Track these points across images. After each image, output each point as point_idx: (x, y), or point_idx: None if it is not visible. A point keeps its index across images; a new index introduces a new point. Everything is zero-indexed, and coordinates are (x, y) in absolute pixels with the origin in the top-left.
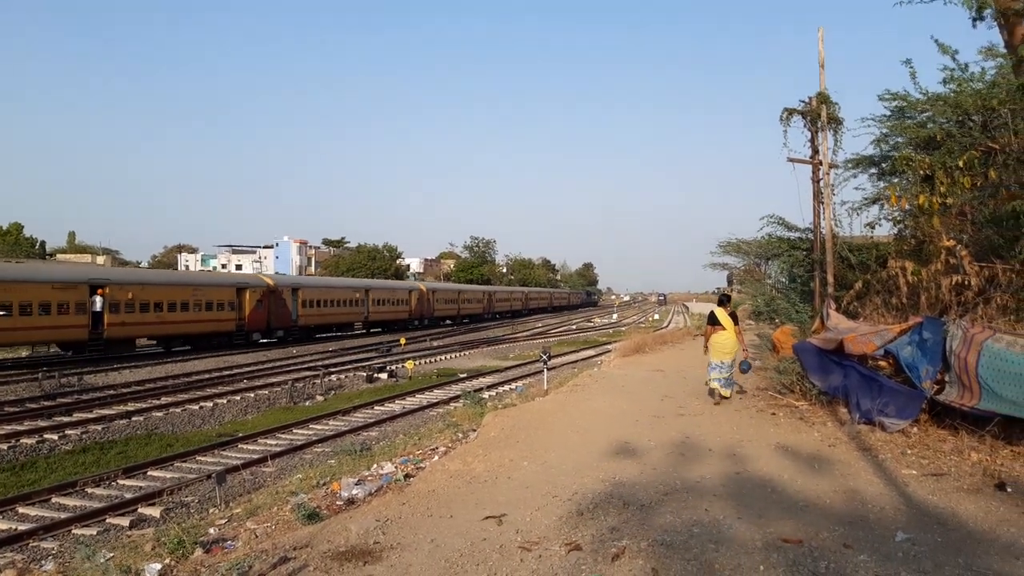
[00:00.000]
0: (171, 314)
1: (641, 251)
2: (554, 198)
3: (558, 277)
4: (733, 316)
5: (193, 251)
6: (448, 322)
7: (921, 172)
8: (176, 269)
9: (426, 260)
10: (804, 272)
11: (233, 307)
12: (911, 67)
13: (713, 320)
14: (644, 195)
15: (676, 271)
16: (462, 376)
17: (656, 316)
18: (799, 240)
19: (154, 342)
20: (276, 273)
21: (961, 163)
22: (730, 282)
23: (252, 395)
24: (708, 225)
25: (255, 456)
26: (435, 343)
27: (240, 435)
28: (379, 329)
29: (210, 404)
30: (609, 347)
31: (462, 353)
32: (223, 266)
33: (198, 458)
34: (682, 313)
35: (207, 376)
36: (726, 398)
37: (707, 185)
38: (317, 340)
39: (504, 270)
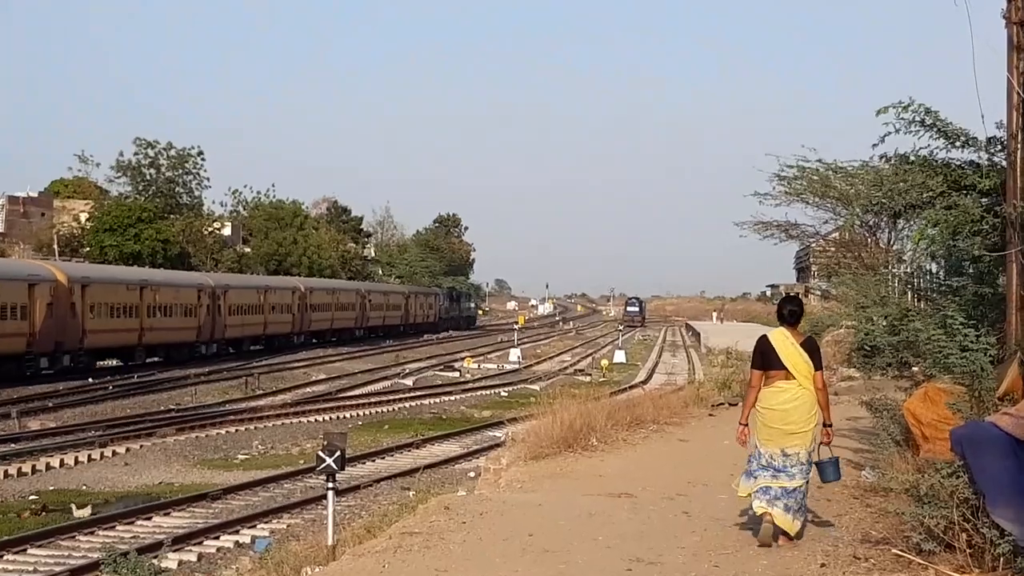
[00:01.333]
0: None
1: (600, 216)
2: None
3: (370, 253)
4: (810, 348)
5: None
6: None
7: None
8: None
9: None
10: (983, 246)
11: (25, 314)
12: None
13: (766, 357)
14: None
15: (677, 253)
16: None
17: (620, 354)
18: (969, 170)
19: None
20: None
21: None
22: (802, 273)
23: None
24: (747, 140)
25: None
26: None
27: None
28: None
29: None
30: (499, 433)
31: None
32: None
33: None
34: (682, 346)
35: None
36: (791, 538)
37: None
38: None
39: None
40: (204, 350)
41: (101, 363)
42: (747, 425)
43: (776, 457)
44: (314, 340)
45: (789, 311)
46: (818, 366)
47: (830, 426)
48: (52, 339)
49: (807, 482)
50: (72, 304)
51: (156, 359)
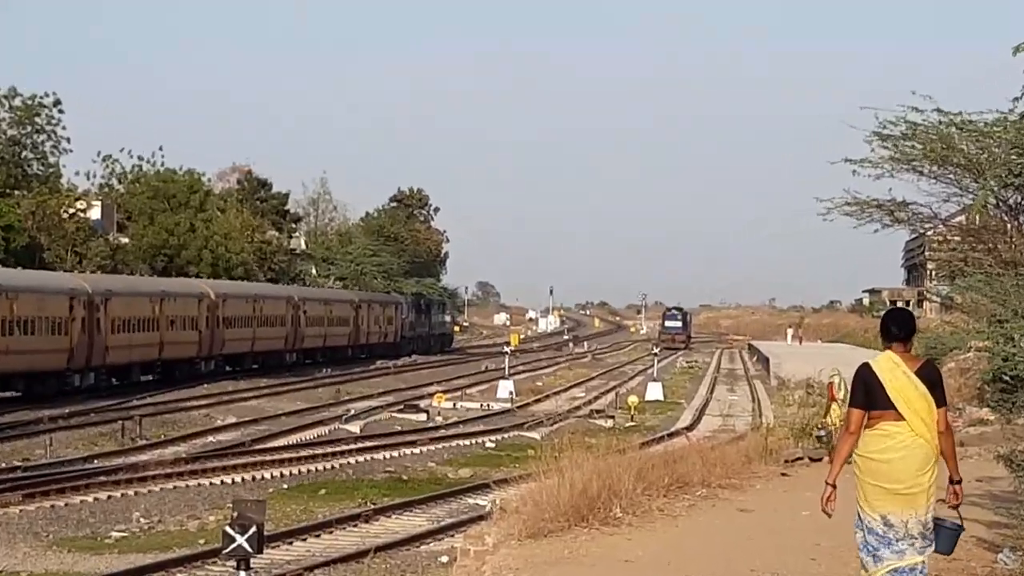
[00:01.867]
0: None
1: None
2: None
3: (299, 245)
4: (929, 377)
5: None
6: None
7: None
8: None
9: None
10: None
11: None
12: None
13: (870, 393)
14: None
15: (734, 247)
16: None
17: (655, 388)
18: None
19: None
20: None
21: None
22: (914, 272)
23: None
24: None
25: None
26: None
27: None
28: None
29: None
30: (483, 501)
31: None
32: None
33: None
34: (743, 377)
35: None
36: None
37: None
38: None
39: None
40: (78, 380)
41: None
42: (835, 487)
43: (875, 526)
44: (228, 368)
45: (898, 326)
46: (941, 402)
47: (958, 483)
48: None
49: (925, 554)
50: None
51: (12, 394)
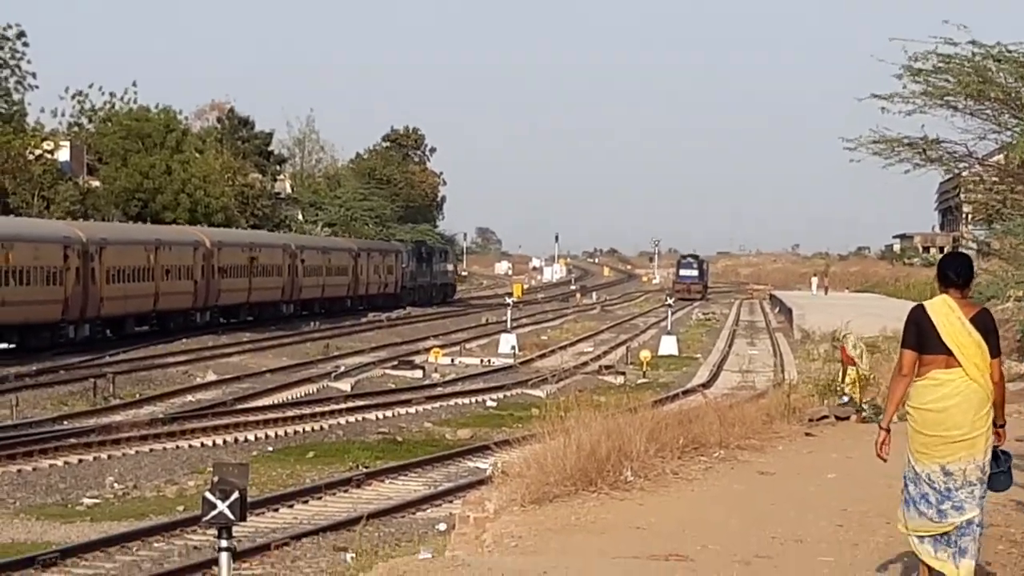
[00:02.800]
0: None
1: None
2: None
3: (284, 189)
4: (984, 325)
5: None
6: None
7: None
8: None
9: None
10: None
11: None
12: None
13: (922, 335)
14: None
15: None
16: None
17: (669, 341)
18: None
19: None
20: None
21: None
22: (949, 216)
23: None
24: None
25: None
26: None
27: None
28: None
29: None
30: (483, 464)
31: None
32: None
33: None
34: (764, 329)
35: None
36: None
37: None
38: None
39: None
40: (73, 332)
41: None
42: (889, 431)
43: (935, 477)
44: (224, 320)
45: (955, 271)
46: (995, 352)
47: (1003, 426)
48: None
49: (980, 504)
50: None
51: (6, 346)
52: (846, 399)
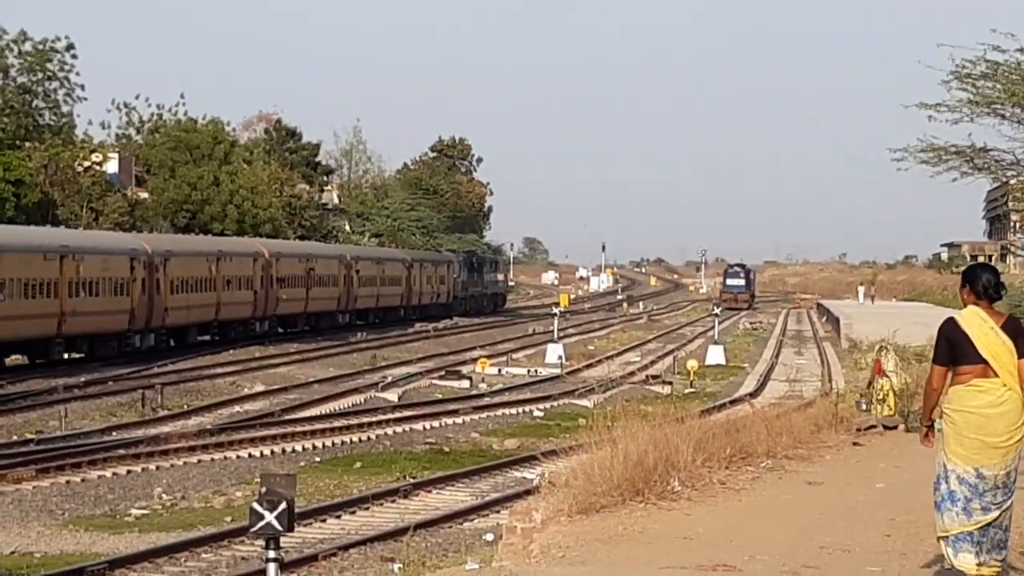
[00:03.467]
0: None
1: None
2: None
3: (331, 199)
4: (1014, 331)
5: None
6: None
7: None
8: None
9: None
10: None
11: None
12: None
13: (956, 348)
14: None
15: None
16: None
17: (716, 351)
18: None
19: None
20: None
21: None
22: (997, 224)
23: None
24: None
25: None
26: None
27: None
28: None
29: None
30: (531, 474)
31: None
32: None
33: None
34: (812, 339)
35: None
36: None
37: None
38: None
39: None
40: (139, 342)
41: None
42: (932, 425)
43: (968, 478)
44: (281, 329)
45: (985, 282)
46: (1022, 352)
47: None
48: None
49: (1011, 510)
50: None
51: (77, 355)
52: (864, 407)
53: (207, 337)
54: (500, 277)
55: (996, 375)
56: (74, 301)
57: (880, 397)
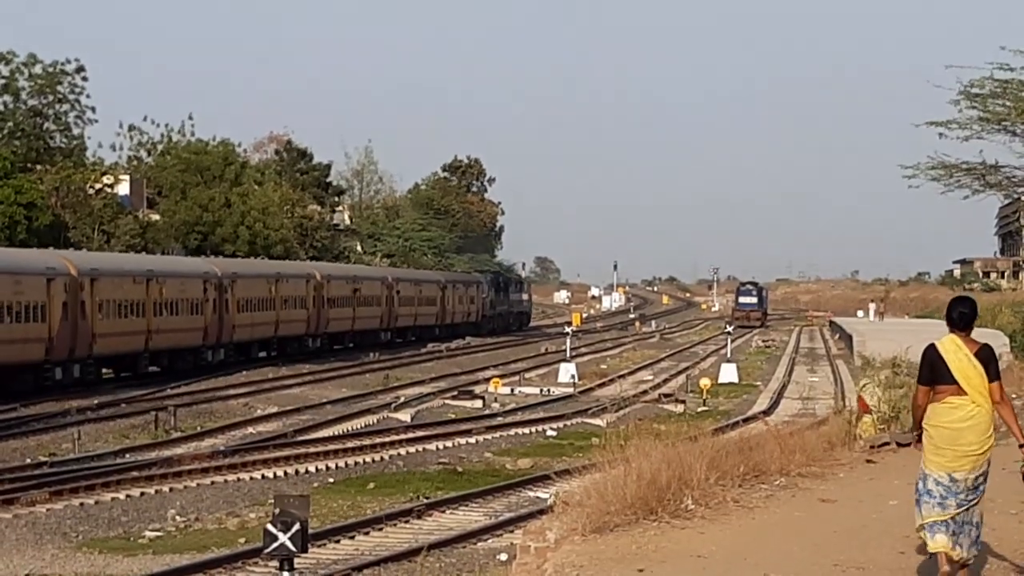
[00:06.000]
0: None
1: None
2: None
3: (342, 220)
4: (985, 358)
5: None
6: None
7: None
8: None
9: None
10: None
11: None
12: None
13: (934, 370)
14: None
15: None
16: None
17: (729, 369)
18: None
19: None
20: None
21: None
22: (1010, 240)
23: None
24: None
25: None
26: None
27: None
28: None
29: None
30: (544, 494)
31: None
32: None
33: None
34: (824, 356)
35: None
36: (960, 566)
37: None
38: None
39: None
40: (210, 356)
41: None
42: (920, 437)
43: (942, 480)
44: (331, 346)
45: (959, 314)
46: (994, 377)
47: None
48: (67, 345)
49: (978, 505)
50: (82, 303)
51: (156, 369)
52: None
53: (265, 353)
54: (524, 297)
55: (967, 394)
56: (158, 320)
57: (864, 433)
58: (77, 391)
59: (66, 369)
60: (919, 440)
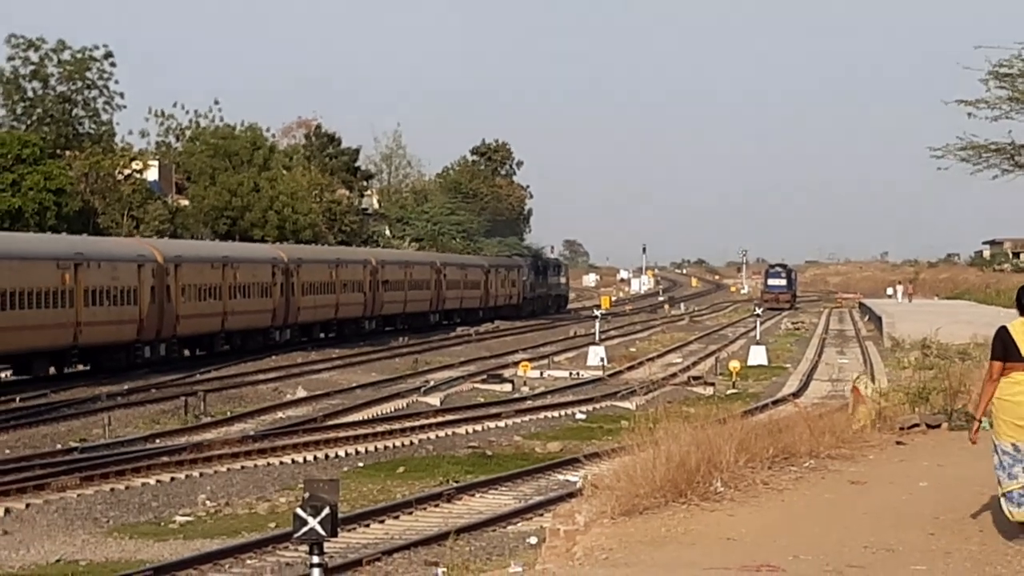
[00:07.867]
0: None
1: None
2: None
3: (371, 204)
4: None
5: None
6: None
7: None
8: None
9: None
10: None
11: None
12: None
13: (1007, 349)
14: None
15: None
16: None
17: (758, 351)
18: None
19: None
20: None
21: None
22: None
23: None
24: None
25: None
26: None
27: None
28: None
29: None
30: (573, 477)
31: None
32: None
33: None
34: (854, 338)
35: None
36: None
37: None
38: None
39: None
40: (278, 336)
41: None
42: (981, 422)
43: (1007, 449)
44: (387, 327)
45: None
46: None
47: None
48: (155, 326)
49: None
50: (167, 287)
51: (227, 347)
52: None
53: (331, 334)
54: (563, 280)
55: None
56: (233, 302)
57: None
58: (163, 368)
59: (153, 348)
60: (975, 431)
